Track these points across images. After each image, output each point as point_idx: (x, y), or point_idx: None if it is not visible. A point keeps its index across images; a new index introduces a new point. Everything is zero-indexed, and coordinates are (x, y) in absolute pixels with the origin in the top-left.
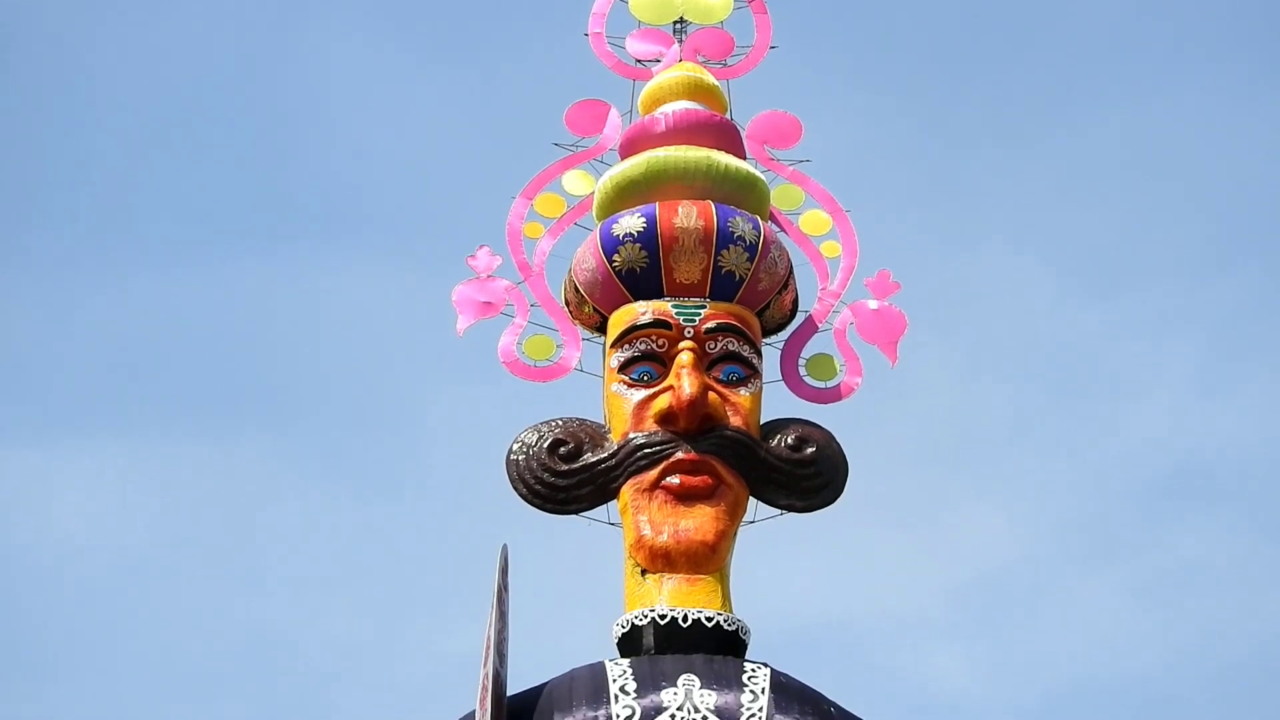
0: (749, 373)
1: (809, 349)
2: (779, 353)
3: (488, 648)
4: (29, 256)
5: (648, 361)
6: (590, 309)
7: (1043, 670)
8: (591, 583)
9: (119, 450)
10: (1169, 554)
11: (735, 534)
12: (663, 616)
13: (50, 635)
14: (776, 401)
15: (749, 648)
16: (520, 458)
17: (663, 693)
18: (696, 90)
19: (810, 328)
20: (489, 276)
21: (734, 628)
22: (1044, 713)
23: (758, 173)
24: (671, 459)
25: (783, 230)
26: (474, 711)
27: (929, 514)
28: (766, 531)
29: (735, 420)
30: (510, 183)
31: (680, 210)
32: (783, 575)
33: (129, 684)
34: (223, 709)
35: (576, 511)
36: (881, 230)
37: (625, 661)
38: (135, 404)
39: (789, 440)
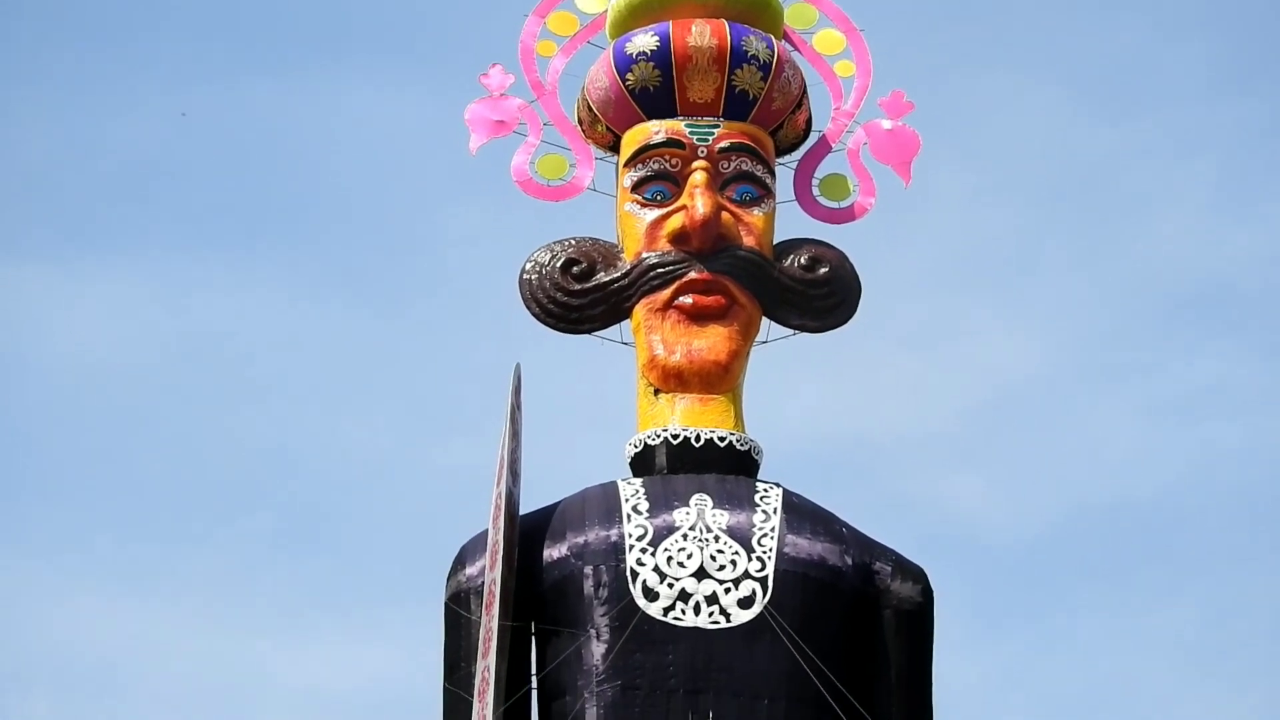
0: (762, 193)
1: (822, 169)
2: (792, 173)
3: (501, 467)
4: (47, 77)
5: (661, 181)
6: (603, 128)
7: (1057, 492)
8: (604, 403)
9: (136, 268)
10: (1184, 375)
11: (748, 354)
12: (675, 436)
13: (68, 450)
14: (790, 222)
15: (761, 468)
16: (533, 277)
17: (675, 512)
18: None
19: (824, 148)
20: (502, 95)
21: (746, 448)
22: (1058, 534)
23: None
24: (684, 279)
25: (796, 49)
26: (487, 530)
27: (943, 335)
28: (779, 352)
29: (748, 240)
30: (523, 0)
31: (694, 28)
32: (796, 396)
33: (144, 498)
34: (237, 523)
35: (589, 331)
36: (896, 50)
37: (638, 481)
38: (151, 222)
39: (802, 260)
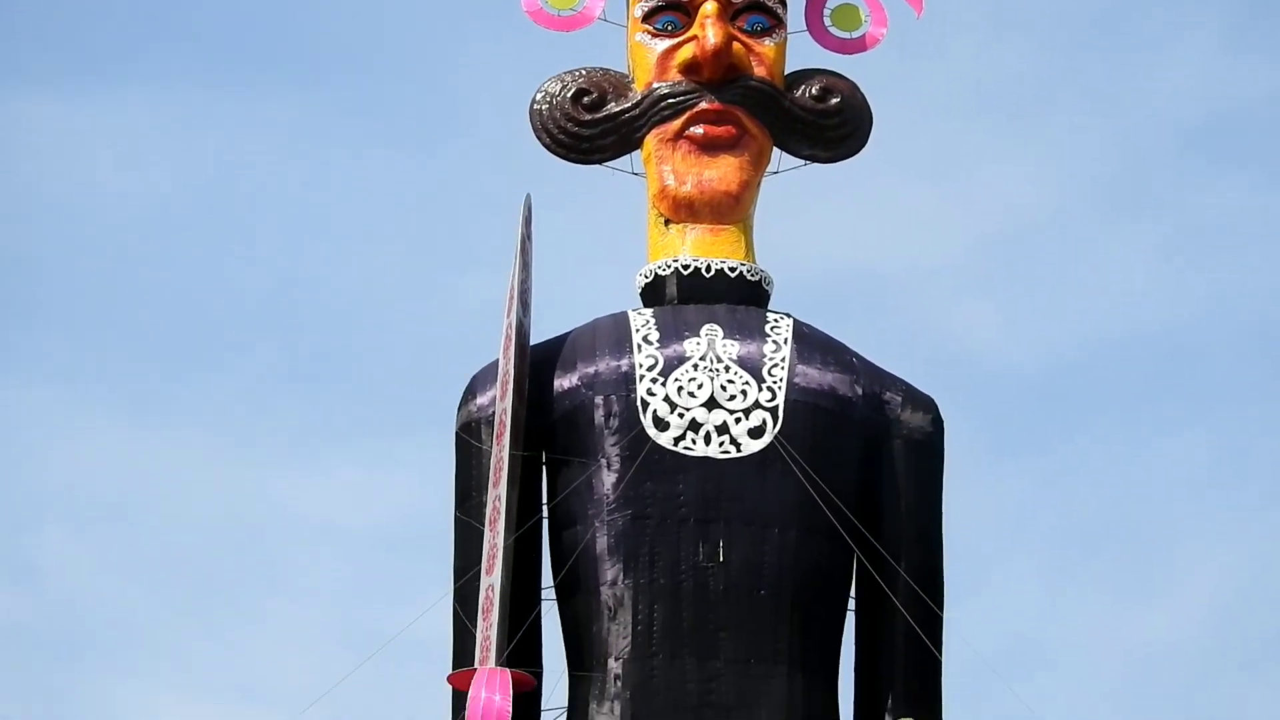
0: (773, 23)
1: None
2: (804, 3)
3: (511, 298)
4: None
5: (672, 11)
6: None
7: (1068, 324)
8: (615, 234)
9: (147, 100)
10: (1198, 209)
11: (759, 184)
12: (686, 267)
13: (79, 284)
14: (801, 52)
15: (772, 299)
16: (544, 107)
17: (685, 342)
18: None
19: None
20: None
21: (757, 278)
22: (1068, 366)
23: None
24: (695, 109)
25: None
26: (497, 360)
27: (956, 167)
28: (790, 182)
29: (759, 70)
30: None
31: None
32: (807, 227)
33: (155, 331)
34: (250, 356)
35: (600, 161)
36: None
37: (648, 311)
38: (164, 54)
39: (813, 90)
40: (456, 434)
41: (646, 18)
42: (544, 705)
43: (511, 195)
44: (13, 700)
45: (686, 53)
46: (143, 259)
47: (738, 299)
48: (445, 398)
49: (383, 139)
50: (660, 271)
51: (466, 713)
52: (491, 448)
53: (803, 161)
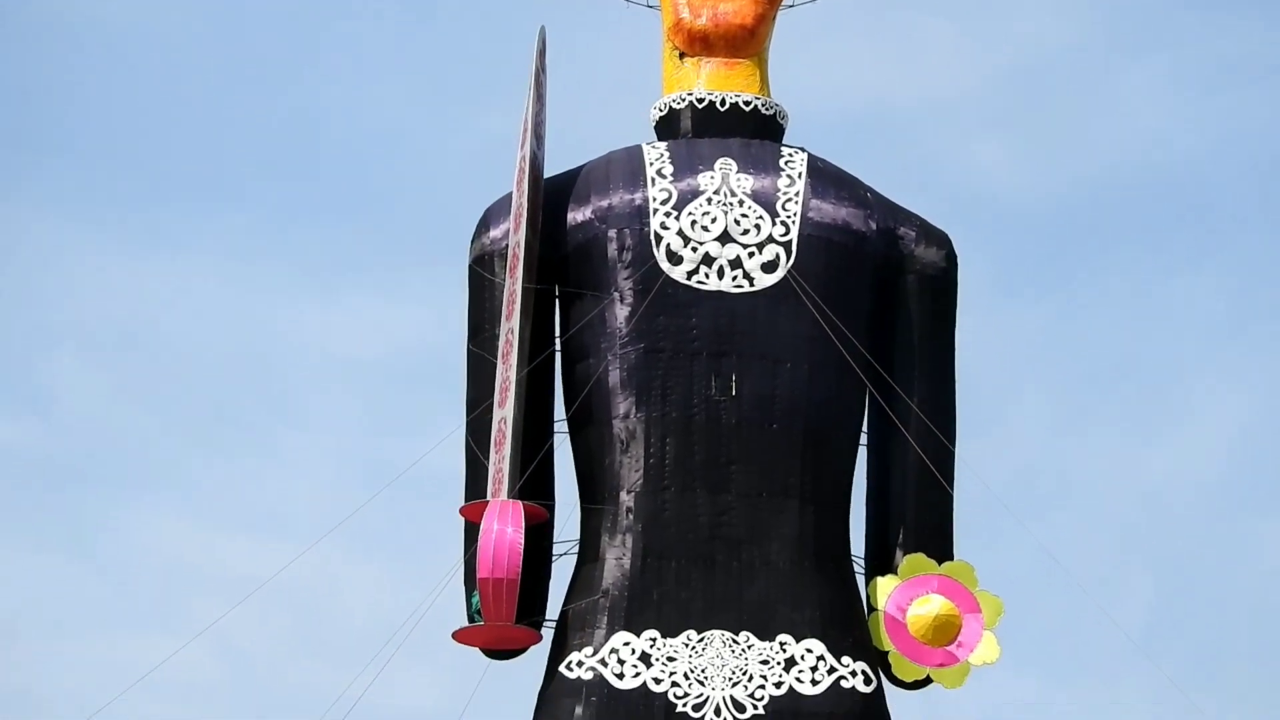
0: None
1: None
2: None
3: (524, 131)
4: None
5: None
6: None
7: (1083, 158)
8: (629, 67)
9: None
10: (1216, 43)
11: (774, 18)
12: (700, 100)
13: (97, 113)
14: None
15: (786, 133)
16: None
17: (699, 176)
18: None
19: None
20: None
21: (771, 112)
22: (1083, 200)
23: None
24: None
25: None
26: (510, 193)
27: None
28: (806, 16)
29: None
30: None
31: None
32: (822, 62)
33: (171, 161)
34: (264, 187)
35: None
36: None
37: (662, 145)
38: None
39: None
40: (469, 267)
41: None
42: (556, 538)
43: (526, 28)
44: (24, 525)
45: None
46: (157, 89)
47: (752, 133)
48: (459, 230)
49: None
50: (674, 105)
51: (479, 544)
52: (504, 280)
53: None
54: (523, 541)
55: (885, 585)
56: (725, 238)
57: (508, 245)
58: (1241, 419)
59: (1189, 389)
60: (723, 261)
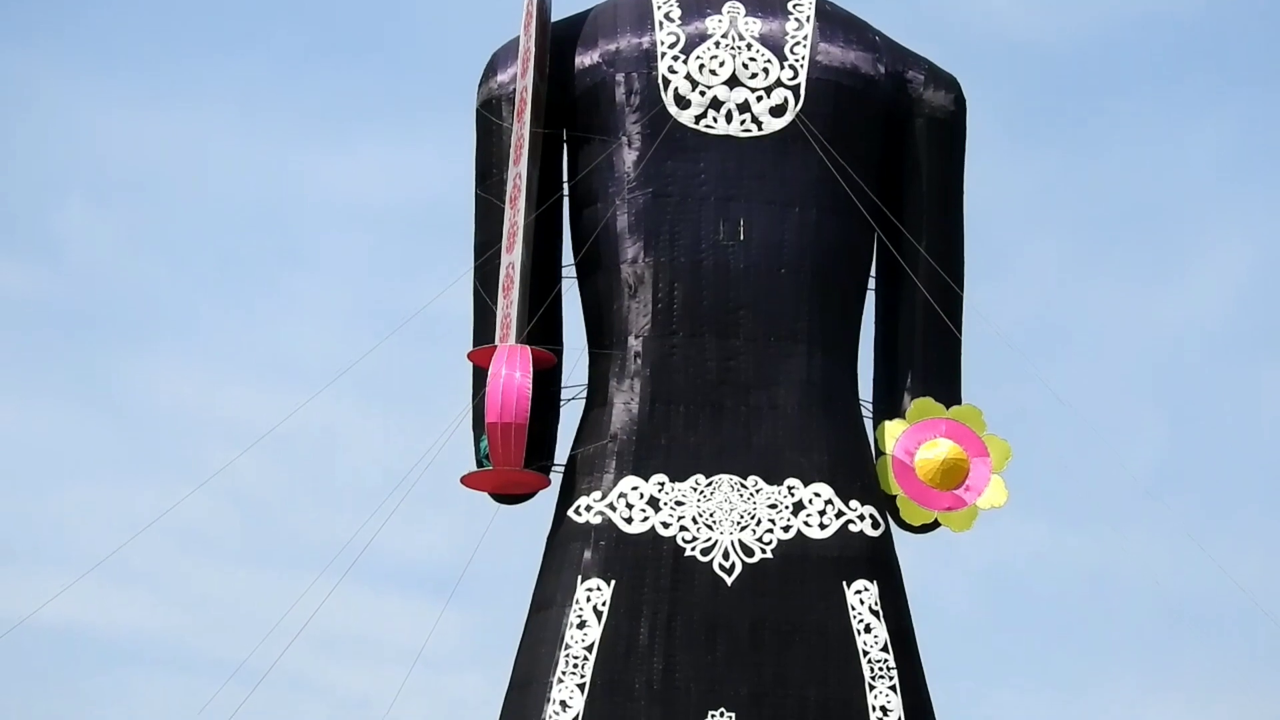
0: None
1: None
2: None
3: None
4: None
5: None
6: None
7: (1095, 1)
8: None
9: None
10: None
11: None
12: None
13: None
14: None
15: None
16: None
17: (707, 19)
18: None
19: None
20: None
21: None
22: (1094, 44)
23: None
24: None
25: None
26: (518, 37)
27: None
28: None
29: None
30: None
31: None
32: None
33: (183, 7)
34: (275, 33)
35: None
36: None
37: None
38: None
39: None
40: (477, 111)
41: None
42: (564, 383)
43: None
44: (34, 373)
45: None
46: None
47: None
48: (468, 76)
49: None
50: None
51: (487, 389)
52: (512, 125)
53: None
54: (531, 386)
55: (893, 429)
56: (733, 81)
57: (515, 90)
58: (1252, 263)
59: (1200, 233)
60: (731, 105)
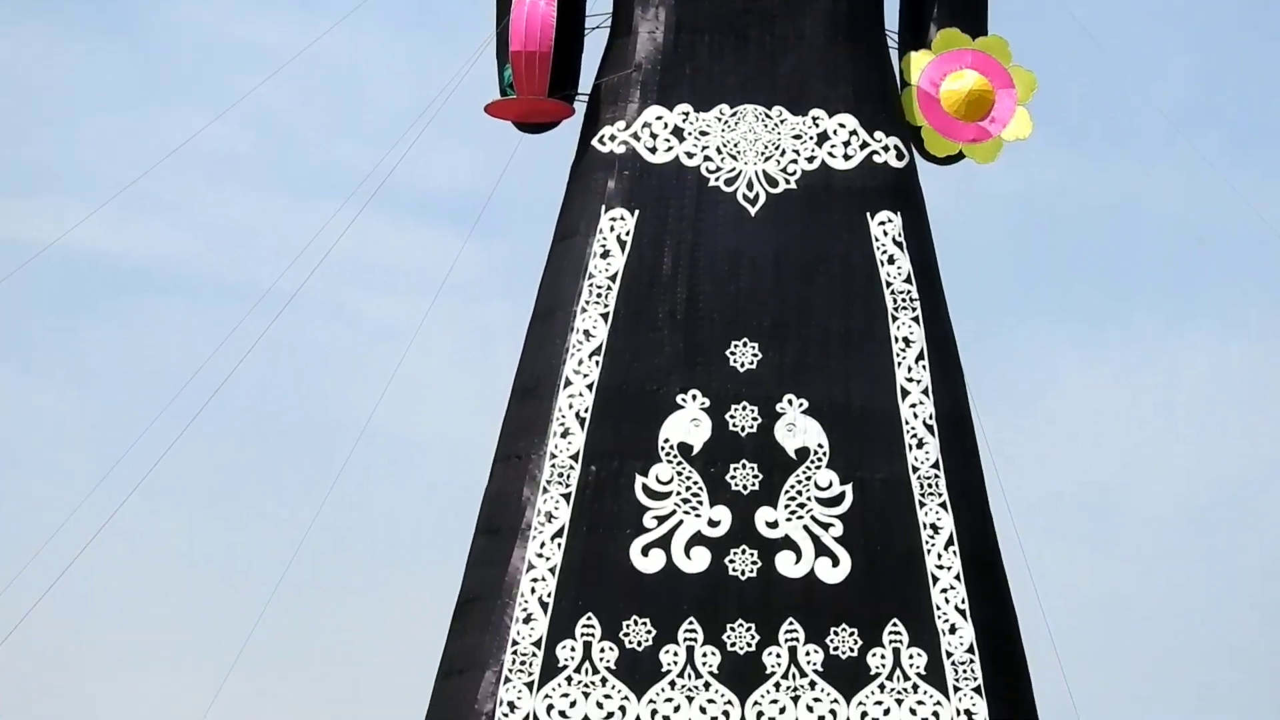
0: None
1: None
2: None
3: None
4: None
5: None
6: None
7: None
8: None
9: None
10: None
11: None
12: None
13: None
14: None
15: None
16: None
17: None
18: None
19: None
20: None
21: None
22: None
23: None
24: None
25: None
26: None
27: None
28: None
29: None
30: None
31: None
32: None
33: None
34: None
35: None
36: None
37: None
38: None
39: None
40: None
41: None
42: (588, 11)
43: None
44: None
45: None
46: None
47: None
48: None
49: None
50: None
51: (511, 17)
52: None
53: None
54: (555, 14)
55: (919, 60)
56: None
57: None
58: None
59: None
60: None
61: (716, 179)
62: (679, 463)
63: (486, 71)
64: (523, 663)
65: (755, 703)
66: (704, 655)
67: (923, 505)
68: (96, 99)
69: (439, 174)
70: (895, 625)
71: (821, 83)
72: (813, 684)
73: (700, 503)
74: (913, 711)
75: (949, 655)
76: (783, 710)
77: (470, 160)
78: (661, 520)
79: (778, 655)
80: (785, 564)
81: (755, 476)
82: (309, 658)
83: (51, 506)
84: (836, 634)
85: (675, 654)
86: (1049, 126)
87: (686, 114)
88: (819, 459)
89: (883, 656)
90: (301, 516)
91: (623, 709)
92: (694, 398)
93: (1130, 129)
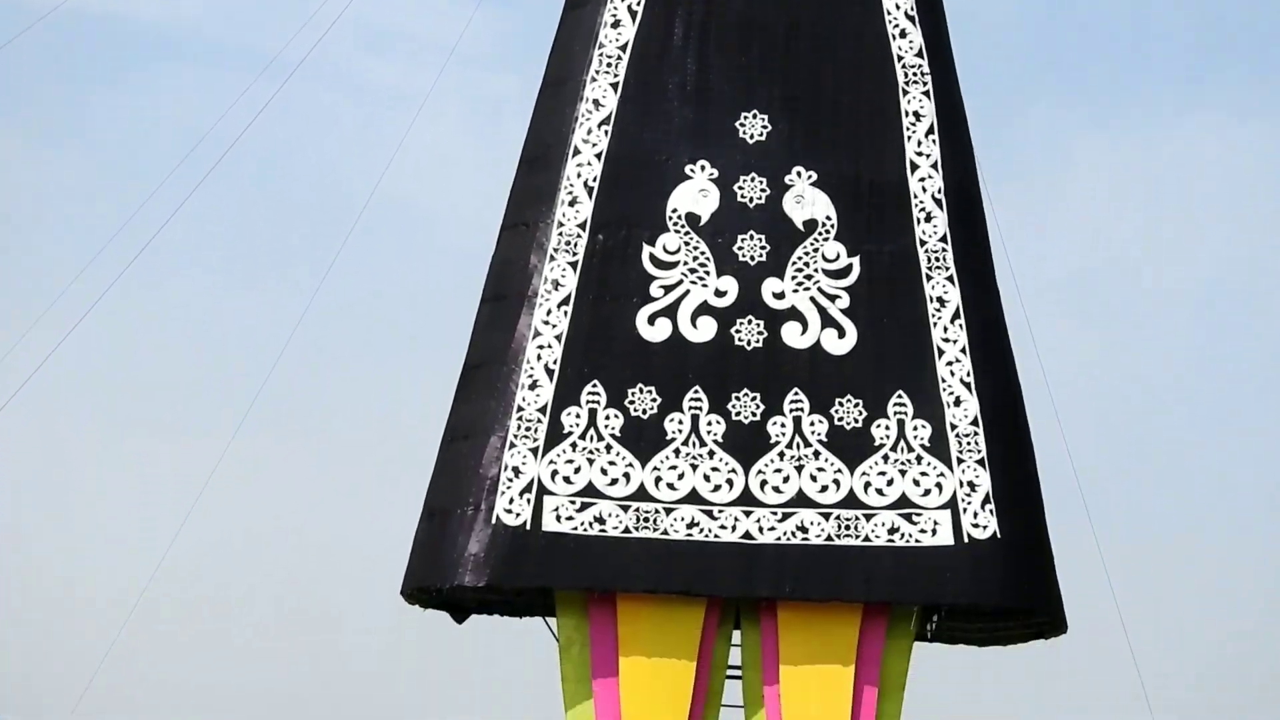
0: None
1: None
2: None
3: None
4: None
5: None
6: None
7: None
8: None
9: None
10: None
11: None
12: None
13: None
14: None
15: None
16: None
17: None
18: None
19: None
20: None
21: None
22: None
23: None
24: None
25: None
26: None
27: None
28: None
29: None
30: None
31: None
32: None
33: None
34: None
35: None
36: None
37: None
38: None
39: None
40: None
41: None
42: None
43: None
44: None
45: None
46: None
47: None
48: None
49: None
50: None
51: None
52: None
53: None
54: None
55: None
56: None
57: None
58: None
59: None
60: None
61: None
62: (686, 232)
63: None
64: (528, 428)
65: (759, 471)
66: (709, 424)
67: (930, 278)
68: None
69: None
70: (900, 397)
71: None
72: (816, 454)
73: (707, 272)
74: (916, 482)
75: (953, 427)
76: (786, 479)
77: None
78: (668, 289)
79: (782, 425)
80: (791, 334)
81: (763, 247)
82: (315, 423)
83: (59, 269)
84: (841, 404)
85: (680, 422)
86: None
87: None
88: (827, 231)
89: (887, 428)
90: (309, 281)
91: (627, 475)
92: (702, 168)
93: None
